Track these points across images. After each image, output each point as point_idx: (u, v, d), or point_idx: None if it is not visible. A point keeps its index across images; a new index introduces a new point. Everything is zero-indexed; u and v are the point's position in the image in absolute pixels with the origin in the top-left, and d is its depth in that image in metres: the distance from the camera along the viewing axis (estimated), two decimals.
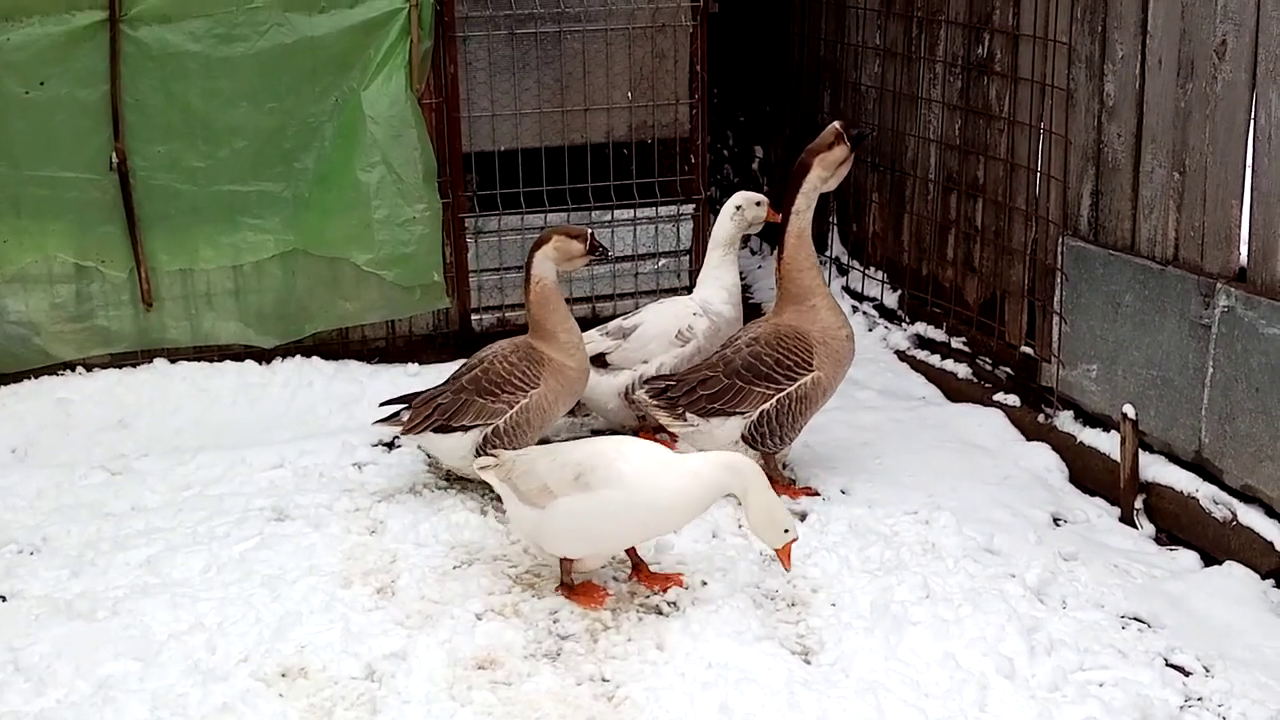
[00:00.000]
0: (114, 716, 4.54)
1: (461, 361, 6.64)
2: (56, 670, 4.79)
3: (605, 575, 5.45)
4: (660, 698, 4.59)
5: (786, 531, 5.05)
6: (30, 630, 5.07)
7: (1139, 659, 4.88)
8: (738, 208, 6.81)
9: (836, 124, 6.10)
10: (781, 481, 6.15)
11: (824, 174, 6.09)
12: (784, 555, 5.11)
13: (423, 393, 6.27)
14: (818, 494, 6.14)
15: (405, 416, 6.16)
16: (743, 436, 6.04)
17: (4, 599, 5.38)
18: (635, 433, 6.86)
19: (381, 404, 6.35)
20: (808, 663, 4.85)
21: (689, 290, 7.39)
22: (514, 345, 6.22)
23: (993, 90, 7.15)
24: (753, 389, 6.04)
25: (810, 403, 6.11)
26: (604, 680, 4.79)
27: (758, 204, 6.83)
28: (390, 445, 6.77)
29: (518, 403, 6.04)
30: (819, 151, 6.07)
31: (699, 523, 5.78)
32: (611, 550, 5.38)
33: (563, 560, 5.29)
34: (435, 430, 6.09)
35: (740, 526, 5.84)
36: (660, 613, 5.21)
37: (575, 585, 5.30)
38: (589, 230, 6.19)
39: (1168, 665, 4.88)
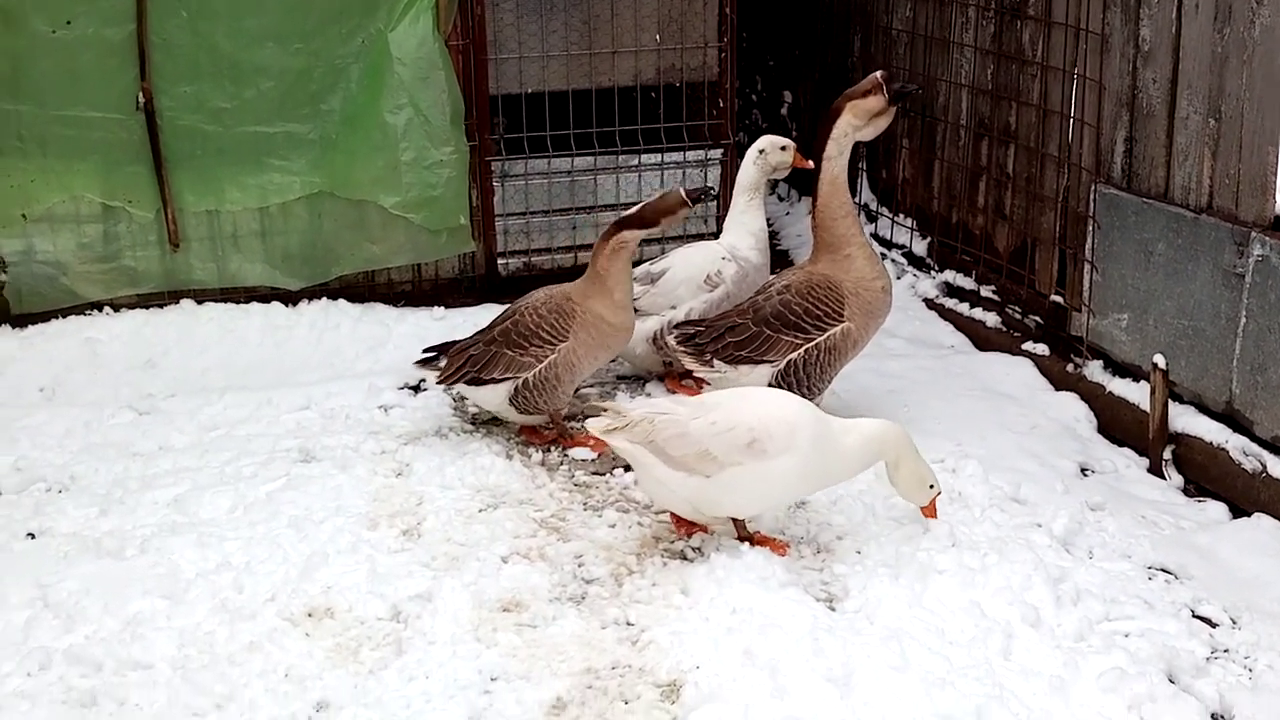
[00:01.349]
0: (142, 653, 4.57)
1: (499, 307, 6.62)
2: (85, 607, 4.83)
3: (630, 521, 5.46)
4: (684, 642, 4.59)
5: (931, 487, 5.16)
6: (59, 568, 5.10)
7: (1166, 610, 4.86)
8: (760, 151, 6.73)
9: (879, 74, 5.97)
10: None
11: (856, 121, 5.98)
12: (930, 511, 5.23)
13: (459, 341, 6.27)
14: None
15: (442, 364, 6.16)
16: (770, 385, 6.00)
17: (33, 536, 5.41)
18: (661, 379, 6.86)
19: (424, 350, 6.34)
20: (832, 609, 4.84)
21: (716, 236, 7.34)
22: (547, 296, 6.14)
23: (1026, 34, 7.06)
24: (781, 337, 5.99)
25: (839, 354, 6.05)
26: (628, 624, 4.79)
27: (782, 149, 6.73)
28: (416, 388, 6.78)
29: (546, 357, 6.00)
30: (853, 97, 5.96)
31: None
32: (777, 509, 5.36)
33: (736, 521, 5.19)
34: (467, 382, 6.10)
35: None
36: (685, 558, 5.21)
37: (754, 535, 5.23)
38: (683, 194, 5.98)
39: (1194, 616, 4.86)
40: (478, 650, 4.59)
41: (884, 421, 5.15)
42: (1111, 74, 6.37)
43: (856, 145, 6.18)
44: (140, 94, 7.23)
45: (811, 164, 6.57)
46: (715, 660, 4.47)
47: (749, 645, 4.52)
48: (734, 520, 5.20)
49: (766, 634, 4.57)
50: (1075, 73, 6.66)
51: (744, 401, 5.08)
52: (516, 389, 6.02)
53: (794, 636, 4.56)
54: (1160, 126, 6.12)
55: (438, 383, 6.16)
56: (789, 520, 5.43)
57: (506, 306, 6.33)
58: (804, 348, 5.98)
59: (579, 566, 5.17)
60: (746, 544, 5.17)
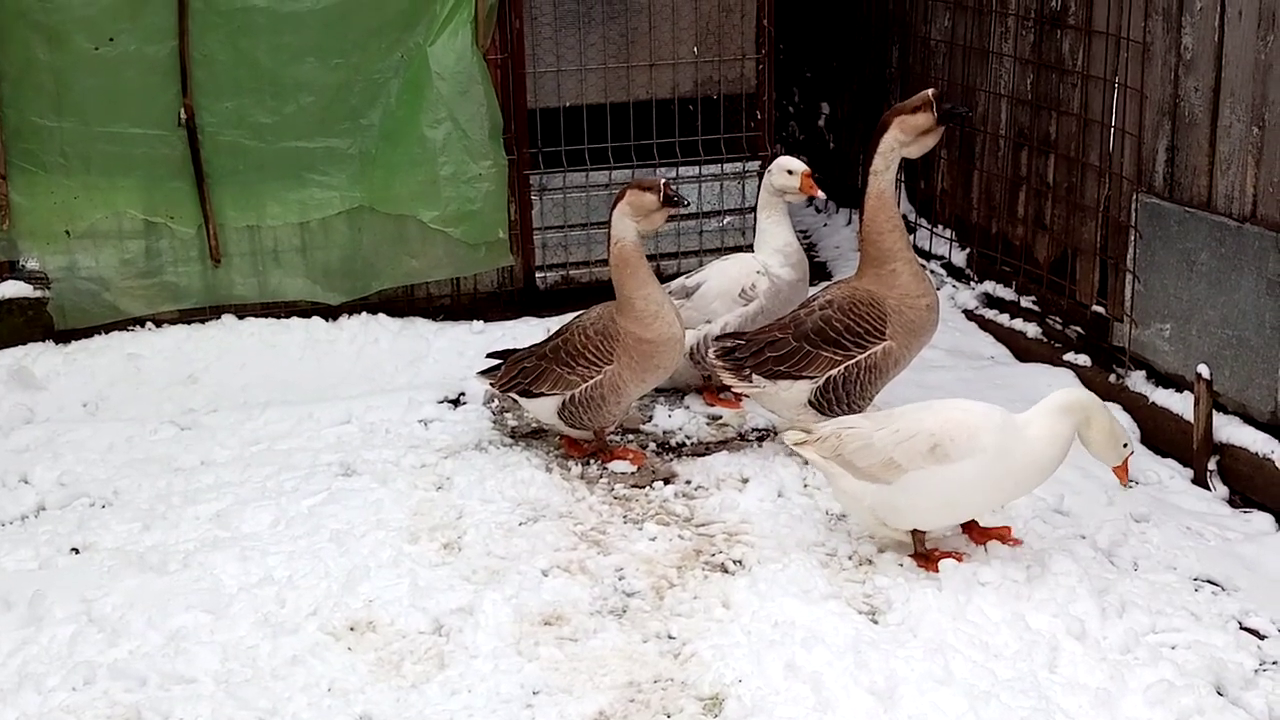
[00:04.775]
0: (186, 667, 4.59)
1: (538, 321, 6.75)
2: (129, 621, 4.86)
3: (671, 534, 5.44)
4: (726, 655, 4.58)
5: (1125, 446, 5.02)
6: (103, 582, 5.14)
7: (1212, 622, 4.81)
8: (767, 171, 6.70)
9: (930, 91, 5.88)
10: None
11: (902, 137, 5.90)
12: (1121, 471, 5.08)
13: (518, 351, 6.32)
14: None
15: (500, 374, 6.23)
16: (810, 401, 5.97)
17: (77, 551, 5.45)
18: (700, 392, 6.84)
19: (488, 355, 6.48)
20: (875, 622, 4.82)
21: (752, 249, 7.31)
22: (598, 315, 6.10)
23: (1066, 44, 7.02)
24: (820, 353, 5.94)
25: (880, 373, 5.98)
26: (670, 637, 4.78)
27: (789, 172, 6.54)
28: (455, 402, 6.80)
29: (591, 378, 5.98)
30: (902, 113, 5.89)
31: (765, 481, 5.76)
32: (965, 519, 5.26)
33: (915, 533, 5.15)
34: (519, 393, 6.15)
35: (805, 486, 5.81)
36: (726, 570, 5.20)
37: (931, 553, 5.15)
38: (662, 180, 5.91)
39: (1242, 628, 4.81)
40: (519, 664, 4.59)
41: (1062, 391, 5.04)
42: (1153, 83, 6.33)
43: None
44: (182, 110, 7.29)
45: (821, 194, 6.55)
46: (758, 673, 4.46)
47: (791, 658, 4.51)
48: (914, 534, 5.16)
49: (809, 647, 4.55)
50: (1116, 81, 6.62)
51: (927, 410, 5.10)
52: (564, 403, 6.03)
53: (837, 650, 4.54)
54: (1203, 135, 6.07)
55: (494, 388, 6.26)
56: (830, 533, 5.40)
57: (569, 319, 6.34)
58: (844, 365, 5.93)
59: (620, 579, 5.16)
60: (916, 562, 5.13)
